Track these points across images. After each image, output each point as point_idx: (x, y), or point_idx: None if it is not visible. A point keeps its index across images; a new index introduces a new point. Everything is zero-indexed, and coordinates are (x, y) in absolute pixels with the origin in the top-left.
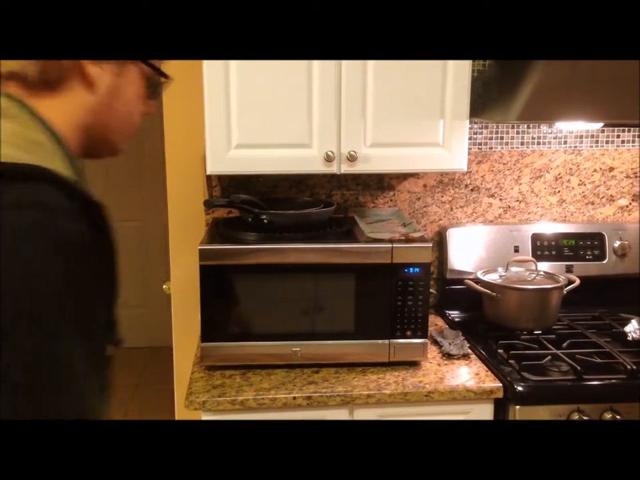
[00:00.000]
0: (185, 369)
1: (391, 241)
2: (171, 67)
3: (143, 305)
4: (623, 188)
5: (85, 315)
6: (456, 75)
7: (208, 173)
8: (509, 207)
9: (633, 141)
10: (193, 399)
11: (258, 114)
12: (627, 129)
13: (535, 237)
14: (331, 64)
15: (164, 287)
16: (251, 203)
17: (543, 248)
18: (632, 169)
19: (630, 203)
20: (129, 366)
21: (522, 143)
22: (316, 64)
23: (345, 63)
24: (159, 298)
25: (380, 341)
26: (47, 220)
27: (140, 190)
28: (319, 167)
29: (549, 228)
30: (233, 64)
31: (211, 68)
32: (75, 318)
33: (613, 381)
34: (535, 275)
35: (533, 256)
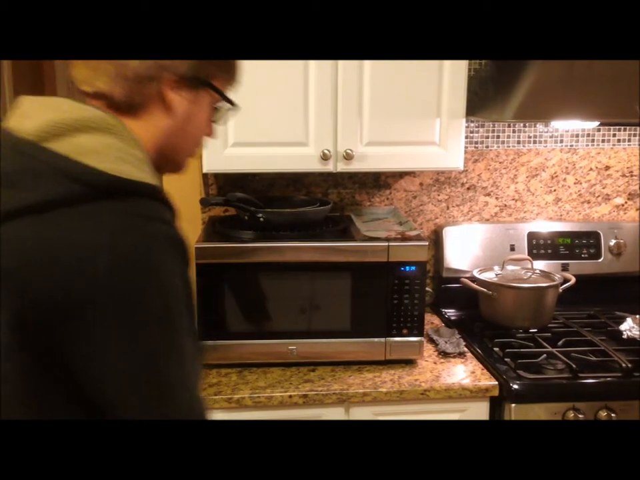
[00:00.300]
0: None
1: (387, 239)
2: None
3: None
4: (619, 187)
5: (192, 316)
6: (452, 73)
7: (204, 171)
8: (505, 205)
9: (629, 140)
10: None
11: (254, 112)
12: (622, 127)
13: (531, 236)
14: (327, 62)
15: None
16: (247, 202)
17: (539, 246)
18: (628, 167)
19: (625, 202)
20: None
21: (518, 142)
22: (312, 62)
23: (341, 61)
24: None
25: (376, 340)
26: (167, 230)
27: None
28: (315, 166)
29: (545, 226)
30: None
31: None
32: (190, 318)
33: (608, 379)
34: (530, 274)
35: (528, 254)
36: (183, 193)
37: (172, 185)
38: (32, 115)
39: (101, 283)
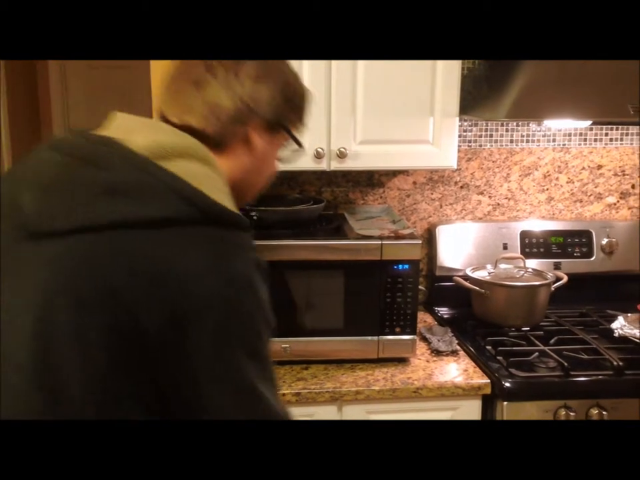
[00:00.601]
0: None
1: (380, 237)
2: (158, 63)
3: None
4: (611, 186)
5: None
6: (446, 72)
7: None
8: (498, 204)
9: (621, 139)
10: None
11: None
12: (615, 127)
13: (524, 234)
14: (321, 61)
15: None
16: None
17: (532, 245)
18: (620, 166)
19: (618, 201)
20: None
21: (511, 141)
22: (306, 61)
23: (335, 63)
24: None
25: (369, 338)
26: (257, 259)
27: None
28: (309, 164)
29: (538, 225)
30: None
31: None
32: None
33: (600, 377)
34: (523, 272)
35: (521, 253)
36: None
37: None
38: (138, 132)
39: (206, 303)
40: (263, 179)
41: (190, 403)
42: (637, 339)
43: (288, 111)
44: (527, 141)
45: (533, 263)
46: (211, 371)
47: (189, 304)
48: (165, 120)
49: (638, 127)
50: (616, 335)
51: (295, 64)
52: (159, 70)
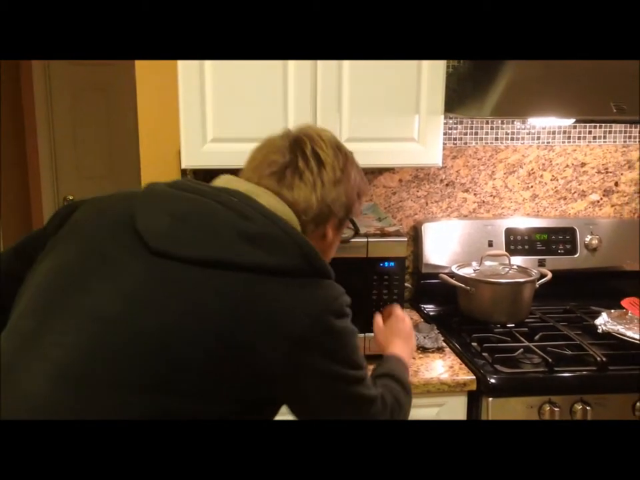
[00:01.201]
0: None
1: (366, 235)
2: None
3: None
4: (594, 183)
5: None
6: (431, 70)
7: (183, 167)
8: (483, 201)
9: (604, 137)
10: None
11: (233, 108)
12: (598, 125)
13: (509, 232)
14: (306, 64)
15: None
16: None
17: (517, 242)
18: (603, 164)
19: (601, 198)
20: None
21: (496, 139)
22: (291, 63)
23: (320, 63)
24: None
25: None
26: (347, 302)
27: (114, 185)
28: None
29: (522, 222)
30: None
31: (185, 62)
32: None
33: (584, 372)
34: (508, 269)
35: (506, 250)
36: None
37: (151, 180)
38: (257, 195)
39: (326, 333)
40: (327, 259)
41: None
42: (620, 334)
43: (354, 208)
44: (512, 139)
45: (517, 260)
46: (319, 386)
47: (306, 339)
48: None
49: (621, 125)
50: (600, 331)
51: (280, 63)
52: (144, 68)
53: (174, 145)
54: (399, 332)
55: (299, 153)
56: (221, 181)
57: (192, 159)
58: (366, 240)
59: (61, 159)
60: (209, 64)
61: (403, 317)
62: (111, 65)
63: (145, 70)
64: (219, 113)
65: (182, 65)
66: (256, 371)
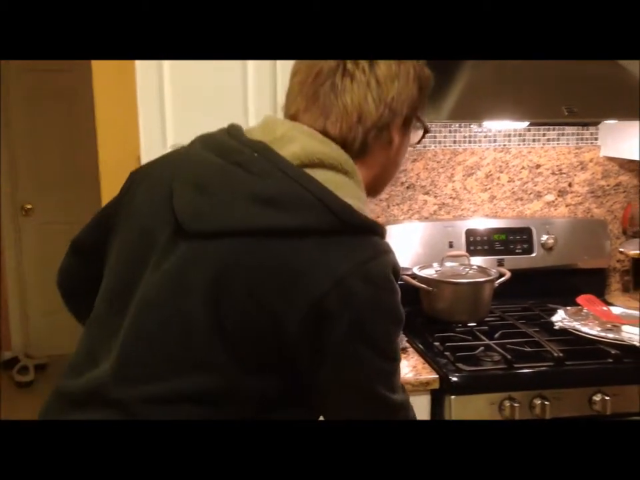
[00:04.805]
0: None
1: None
2: (102, 63)
3: None
4: (549, 184)
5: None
6: None
7: None
8: (444, 203)
9: (558, 139)
10: None
11: (193, 113)
12: (552, 127)
13: (469, 233)
14: (266, 66)
15: None
16: None
17: (476, 243)
18: (557, 165)
19: (556, 199)
20: None
21: (454, 142)
22: (251, 65)
23: (279, 64)
24: None
25: None
26: (394, 262)
27: (73, 191)
28: None
29: (481, 223)
30: (167, 62)
31: (143, 65)
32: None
33: (542, 368)
34: (468, 269)
35: (466, 251)
36: None
37: (110, 188)
38: (293, 140)
39: (342, 303)
40: (395, 170)
41: (312, 390)
42: (576, 331)
43: (421, 100)
44: (470, 142)
45: (477, 260)
46: (339, 364)
47: (327, 303)
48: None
49: (573, 127)
50: (556, 327)
51: (239, 63)
52: (102, 74)
53: (133, 150)
54: None
55: (346, 59)
56: (260, 125)
57: None
58: None
59: (20, 167)
60: (167, 70)
61: None
62: (68, 72)
63: (103, 75)
64: (178, 119)
65: (140, 69)
66: (281, 340)
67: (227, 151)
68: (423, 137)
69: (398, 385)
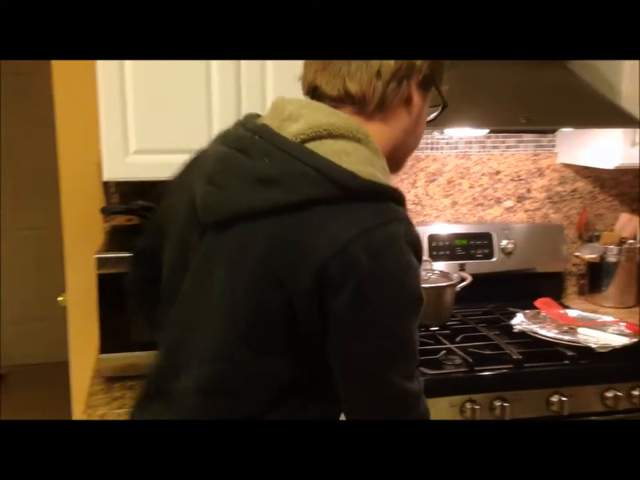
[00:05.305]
0: (84, 384)
1: None
2: (62, 66)
3: (43, 319)
4: (509, 190)
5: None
6: None
7: (104, 179)
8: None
9: (517, 147)
10: (90, 412)
11: (156, 118)
12: (510, 134)
13: (431, 238)
14: (229, 68)
15: (59, 299)
16: (150, 209)
17: (439, 248)
18: (516, 172)
19: (515, 204)
20: (27, 383)
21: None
22: (214, 68)
23: (244, 66)
24: (59, 311)
25: None
26: (407, 230)
27: (35, 197)
28: None
29: (443, 229)
30: (129, 65)
31: (105, 69)
32: (419, 311)
33: (502, 370)
34: (430, 274)
35: (429, 256)
36: (83, 201)
37: (71, 193)
38: (296, 118)
39: (357, 271)
40: (417, 141)
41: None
42: (534, 333)
43: (438, 65)
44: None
45: (440, 265)
46: (344, 340)
47: (330, 270)
48: (319, 92)
49: (532, 134)
50: (515, 330)
51: (202, 68)
52: (63, 77)
53: (95, 156)
54: None
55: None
56: (270, 108)
57: (113, 171)
58: None
59: None
60: (129, 73)
61: None
62: (26, 75)
63: (64, 78)
64: (141, 124)
65: (101, 73)
66: (292, 317)
67: (233, 139)
68: (442, 112)
69: (410, 371)
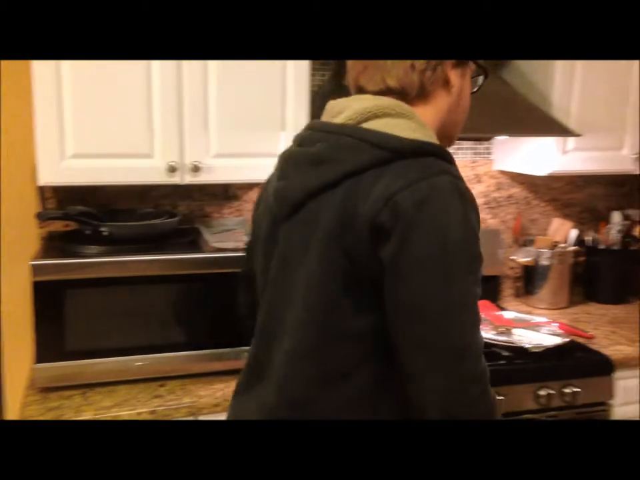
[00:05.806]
0: (18, 395)
1: (235, 250)
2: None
3: None
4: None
5: (479, 263)
6: (295, 86)
7: (40, 184)
8: None
9: (456, 153)
10: None
11: (95, 121)
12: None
13: None
14: (171, 71)
15: None
16: (89, 215)
17: None
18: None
19: None
20: None
21: None
22: (155, 71)
23: (185, 70)
24: None
25: (227, 350)
26: (453, 182)
27: None
28: (162, 178)
29: None
30: (66, 65)
31: (40, 69)
32: (477, 264)
33: None
34: None
35: None
36: (18, 206)
37: (7, 198)
38: (344, 110)
39: (404, 217)
40: (463, 115)
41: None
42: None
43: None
44: None
45: None
46: (397, 285)
47: (381, 218)
48: (364, 91)
49: (469, 142)
50: None
51: (143, 72)
52: (10, 73)
53: (30, 160)
54: None
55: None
56: (325, 110)
57: (49, 175)
58: (235, 255)
59: None
60: (66, 74)
61: None
62: None
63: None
64: (79, 127)
65: (37, 74)
66: (361, 272)
67: (294, 140)
68: (484, 82)
69: (467, 329)
